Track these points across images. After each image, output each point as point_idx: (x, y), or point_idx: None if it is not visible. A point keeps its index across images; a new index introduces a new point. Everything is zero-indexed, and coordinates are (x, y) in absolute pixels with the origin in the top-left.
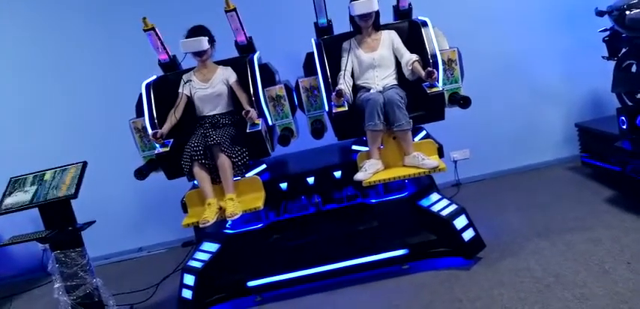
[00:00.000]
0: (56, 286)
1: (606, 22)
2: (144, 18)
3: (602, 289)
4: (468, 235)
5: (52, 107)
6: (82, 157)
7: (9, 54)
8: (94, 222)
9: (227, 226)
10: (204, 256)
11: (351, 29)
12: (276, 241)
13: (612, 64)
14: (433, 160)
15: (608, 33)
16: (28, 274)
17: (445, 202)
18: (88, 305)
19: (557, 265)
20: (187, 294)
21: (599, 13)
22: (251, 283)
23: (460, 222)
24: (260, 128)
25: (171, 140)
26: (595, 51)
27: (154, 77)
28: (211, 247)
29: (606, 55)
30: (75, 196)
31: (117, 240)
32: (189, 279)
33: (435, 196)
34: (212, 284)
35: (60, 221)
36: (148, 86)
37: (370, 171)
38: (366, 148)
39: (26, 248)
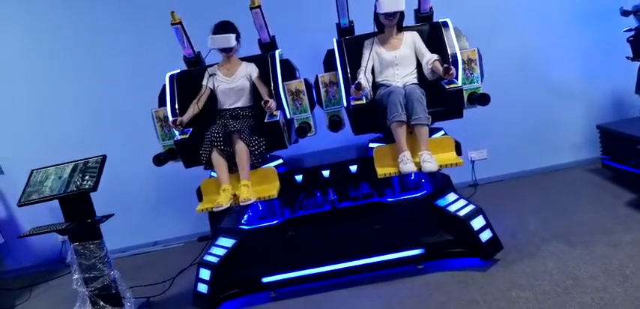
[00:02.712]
0: (75, 277)
1: (631, 22)
2: (172, 12)
3: (622, 293)
4: (485, 236)
5: (72, 100)
6: (101, 150)
7: (29, 46)
8: (112, 215)
9: (243, 222)
10: (220, 251)
11: (375, 29)
12: (291, 237)
13: (637, 64)
14: (432, 165)
15: (632, 33)
16: (47, 265)
17: (462, 202)
18: (105, 297)
19: (576, 268)
20: (203, 288)
21: (625, 13)
22: (266, 279)
23: (477, 223)
24: (278, 119)
25: (191, 129)
26: (618, 50)
27: (178, 71)
28: (227, 242)
29: (630, 55)
30: (95, 189)
31: (134, 233)
32: (204, 273)
33: (452, 196)
34: (227, 279)
35: (79, 213)
36: (172, 77)
37: (412, 161)
38: (382, 145)
39: (46, 239)
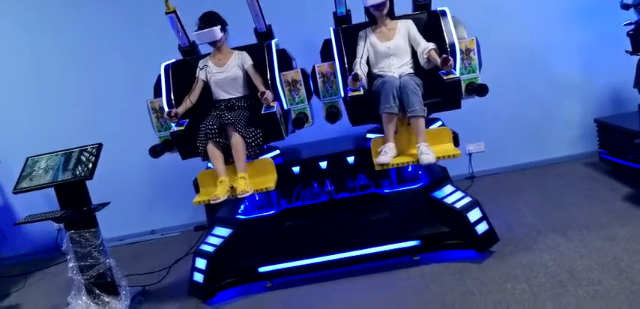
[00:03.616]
0: (70, 265)
1: (631, 15)
2: (166, 1)
3: (617, 286)
4: (481, 228)
5: (68, 89)
6: (97, 139)
7: (26, 37)
8: (108, 203)
9: (239, 211)
10: (216, 241)
11: (367, 20)
12: (288, 228)
13: (635, 59)
14: (430, 157)
15: (633, 27)
16: (42, 253)
17: (459, 194)
18: (101, 285)
19: (572, 261)
20: (198, 277)
21: (625, 6)
22: (262, 269)
23: (474, 215)
24: (275, 110)
25: (187, 120)
26: (617, 44)
27: (173, 60)
28: (223, 231)
29: (630, 49)
30: (90, 177)
31: (130, 222)
32: (200, 263)
33: (449, 188)
34: (223, 268)
35: (75, 202)
36: (167, 67)
37: (390, 154)
38: (380, 136)
39: (41, 227)
